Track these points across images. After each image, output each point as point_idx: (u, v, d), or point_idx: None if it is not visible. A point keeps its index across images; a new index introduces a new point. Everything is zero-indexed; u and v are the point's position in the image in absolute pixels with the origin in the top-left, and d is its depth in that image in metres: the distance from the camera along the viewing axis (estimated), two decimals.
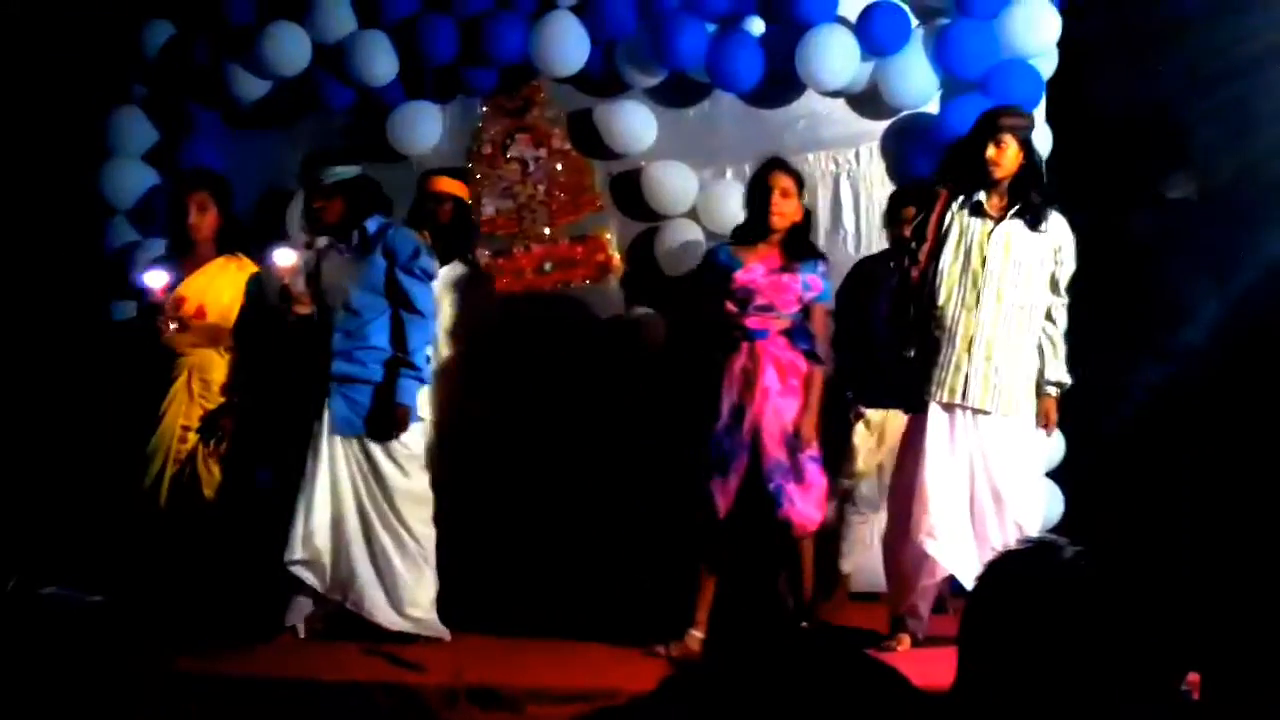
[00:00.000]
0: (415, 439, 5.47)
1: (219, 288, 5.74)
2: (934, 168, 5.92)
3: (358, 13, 6.49)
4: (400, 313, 5.40)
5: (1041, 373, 5.16)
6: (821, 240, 6.27)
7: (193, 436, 5.63)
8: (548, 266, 6.59)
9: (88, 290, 6.61)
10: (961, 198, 5.07)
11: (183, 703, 4.77)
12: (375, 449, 5.40)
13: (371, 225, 5.45)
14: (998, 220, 5.04)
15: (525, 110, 6.62)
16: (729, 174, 6.37)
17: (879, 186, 6.16)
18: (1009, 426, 5.06)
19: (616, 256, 6.52)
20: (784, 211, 5.28)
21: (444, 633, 5.47)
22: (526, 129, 6.62)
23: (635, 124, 6.39)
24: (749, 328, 5.26)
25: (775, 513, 5.18)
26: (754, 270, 5.26)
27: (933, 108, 6.05)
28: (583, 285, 6.55)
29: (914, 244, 5.10)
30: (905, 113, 6.11)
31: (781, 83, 6.15)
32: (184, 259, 5.77)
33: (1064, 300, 5.17)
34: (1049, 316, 5.16)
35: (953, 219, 5.06)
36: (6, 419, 6.39)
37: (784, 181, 5.31)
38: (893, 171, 6.19)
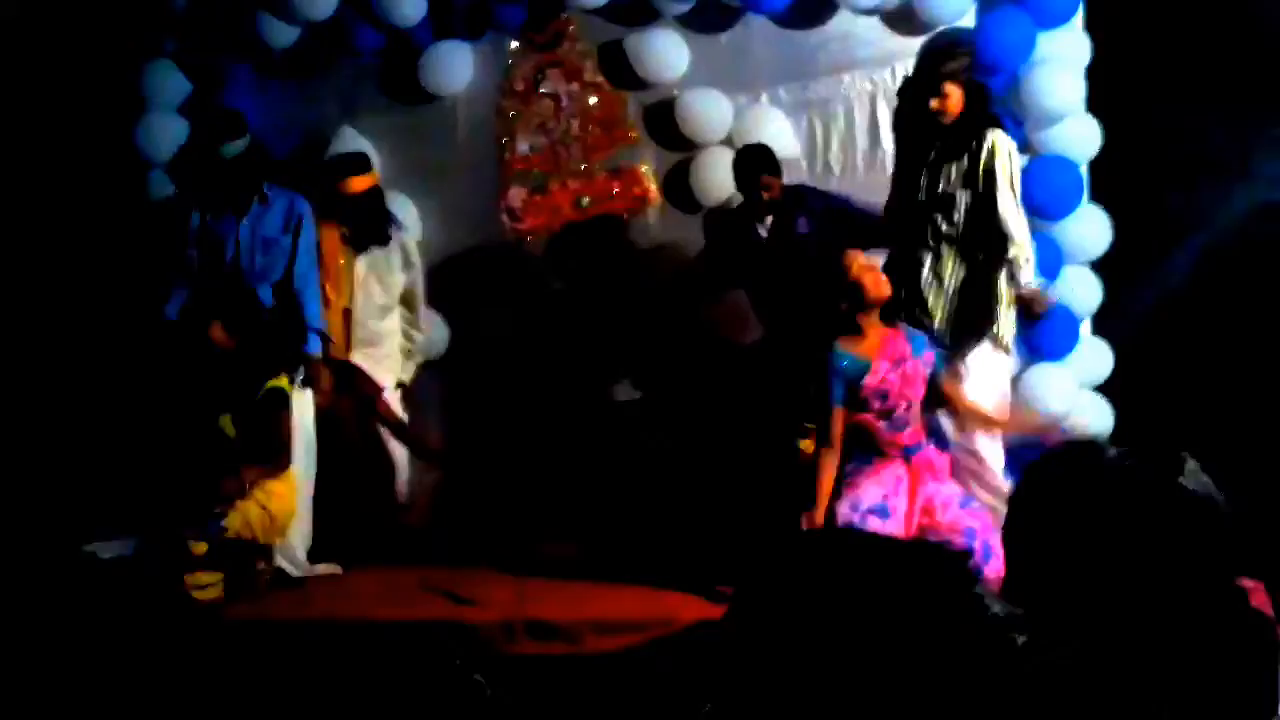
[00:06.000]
0: None
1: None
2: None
3: None
4: None
5: None
6: (859, 161, 6.23)
7: None
8: (585, 202, 6.56)
9: (131, 245, 6.63)
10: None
11: (237, 648, 4.84)
12: None
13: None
14: None
15: (556, 45, 6.57)
16: (764, 98, 6.31)
17: None
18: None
19: (654, 188, 6.48)
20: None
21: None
22: (558, 64, 6.58)
23: (667, 52, 6.33)
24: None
25: None
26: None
27: (968, 21, 5.95)
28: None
29: None
30: (941, 28, 6.01)
31: (814, 3, 6.07)
32: None
33: None
34: None
35: None
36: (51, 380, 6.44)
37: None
38: None
